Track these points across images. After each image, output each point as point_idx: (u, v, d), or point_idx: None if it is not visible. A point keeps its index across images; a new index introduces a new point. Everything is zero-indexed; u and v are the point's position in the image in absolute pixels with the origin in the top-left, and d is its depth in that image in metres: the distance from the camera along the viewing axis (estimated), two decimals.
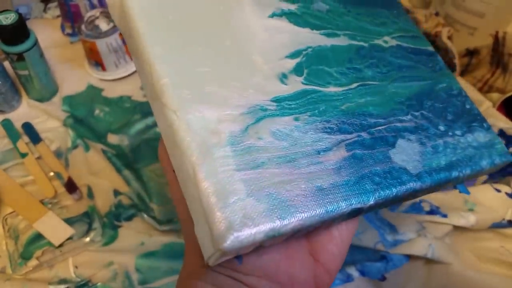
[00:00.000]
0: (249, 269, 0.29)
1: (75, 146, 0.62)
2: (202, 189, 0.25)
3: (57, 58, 0.71)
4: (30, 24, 0.74)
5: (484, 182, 0.57)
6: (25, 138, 0.62)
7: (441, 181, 0.32)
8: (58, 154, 0.61)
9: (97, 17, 0.66)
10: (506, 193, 0.54)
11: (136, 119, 0.65)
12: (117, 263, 0.53)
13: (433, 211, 0.53)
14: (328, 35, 0.37)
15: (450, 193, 0.55)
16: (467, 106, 0.38)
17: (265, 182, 0.27)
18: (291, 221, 0.26)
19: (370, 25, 0.39)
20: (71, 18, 0.71)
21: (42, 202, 0.57)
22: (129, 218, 0.56)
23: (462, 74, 0.66)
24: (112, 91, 0.68)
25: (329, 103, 0.33)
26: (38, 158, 0.60)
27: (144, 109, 0.66)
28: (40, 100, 0.66)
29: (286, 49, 0.34)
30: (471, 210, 0.53)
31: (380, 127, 0.33)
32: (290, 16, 0.36)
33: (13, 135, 0.62)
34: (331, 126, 0.31)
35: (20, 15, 0.57)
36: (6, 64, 0.63)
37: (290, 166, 0.28)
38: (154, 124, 0.65)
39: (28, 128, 0.63)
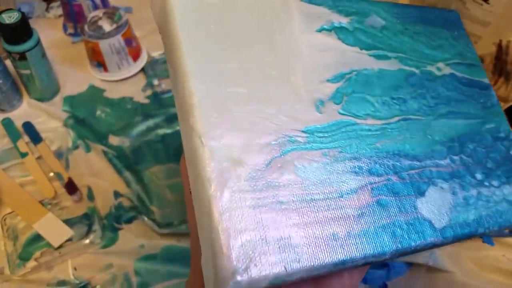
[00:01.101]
0: None
1: (75, 147, 0.62)
2: (214, 225, 0.24)
3: (59, 58, 0.71)
4: (32, 23, 0.73)
5: None
6: (26, 138, 0.62)
7: (465, 236, 0.30)
8: (58, 154, 0.61)
9: (100, 18, 0.66)
10: None
11: (137, 120, 0.65)
12: (117, 265, 0.53)
13: None
14: (377, 57, 0.34)
15: None
16: None
17: (279, 224, 0.25)
18: (298, 270, 0.25)
19: (426, 48, 0.37)
20: (74, 18, 0.71)
21: (41, 202, 0.56)
22: (129, 221, 0.56)
23: None
24: (114, 92, 0.68)
25: (364, 138, 0.30)
26: (38, 158, 0.60)
27: (146, 111, 0.66)
28: (41, 99, 0.66)
29: (329, 71, 0.32)
30: None
31: (413, 171, 0.30)
32: (340, 31, 0.34)
33: (13, 135, 0.61)
34: (361, 165, 0.29)
35: (23, 14, 0.57)
36: (8, 63, 0.63)
37: (308, 208, 0.26)
38: (156, 126, 0.64)
39: (29, 127, 0.62)
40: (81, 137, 0.62)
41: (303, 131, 0.29)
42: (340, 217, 0.27)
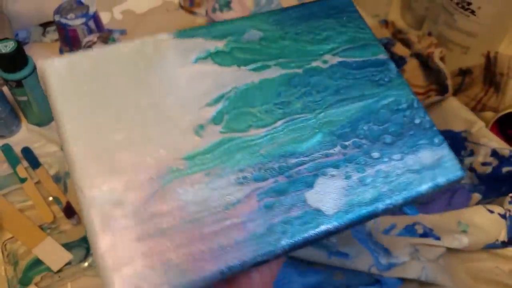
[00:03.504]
0: None
1: None
2: (101, 261, 0.27)
3: None
4: (29, 48, 0.75)
5: (477, 203, 0.58)
6: (24, 163, 0.63)
7: (363, 217, 0.31)
8: (56, 178, 0.62)
9: (95, 42, 0.67)
10: (499, 214, 0.54)
11: None
12: None
13: (426, 234, 0.54)
14: (257, 69, 0.35)
15: (444, 215, 0.55)
16: (417, 121, 0.35)
17: (165, 249, 0.27)
18: (184, 285, 0.27)
19: (309, 45, 0.37)
20: (70, 42, 0.73)
21: (41, 227, 0.57)
22: None
23: (456, 92, 0.67)
24: None
25: (247, 149, 0.31)
26: (37, 183, 0.61)
27: None
28: (39, 124, 0.67)
29: (208, 96, 0.33)
30: (464, 231, 0.53)
31: (300, 167, 0.31)
32: (215, 56, 0.35)
33: (12, 160, 0.63)
34: (245, 175, 0.30)
35: (19, 43, 0.58)
36: (5, 89, 0.64)
37: (194, 228, 0.28)
38: None
39: (28, 153, 0.64)
40: None
41: (183, 159, 0.30)
42: (227, 229, 0.28)
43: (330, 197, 0.31)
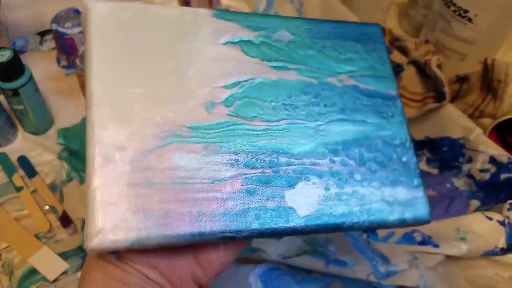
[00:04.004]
0: (132, 259, 0.32)
1: (70, 179, 0.63)
2: (91, 195, 0.28)
3: (53, 90, 0.72)
4: (27, 57, 0.75)
5: (476, 210, 0.58)
6: (21, 172, 0.63)
7: (329, 227, 0.33)
8: (53, 187, 0.62)
9: None
10: (498, 221, 0.54)
11: None
12: None
13: (425, 241, 0.53)
14: (277, 67, 0.37)
15: (443, 222, 0.55)
16: (404, 159, 0.37)
17: (149, 200, 0.29)
18: (158, 236, 0.29)
19: (332, 61, 0.39)
20: (66, 51, 0.73)
21: (37, 236, 0.57)
22: None
23: (453, 100, 0.67)
24: None
25: (246, 137, 0.33)
26: (33, 191, 0.61)
27: None
28: (36, 133, 0.67)
29: (226, 78, 0.35)
30: (463, 239, 0.53)
31: (288, 167, 0.34)
32: (245, 44, 0.36)
33: (8, 169, 0.62)
34: (238, 158, 0.33)
35: (15, 52, 0.58)
36: (2, 98, 0.64)
37: (180, 190, 0.30)
38: None
39: (24, 161, 0.63)
40: (75, 170, 0.63)
41: (188, 127, 0.32)
42: (209, 199, 0.31)
43: (306, 201, 0.33)
